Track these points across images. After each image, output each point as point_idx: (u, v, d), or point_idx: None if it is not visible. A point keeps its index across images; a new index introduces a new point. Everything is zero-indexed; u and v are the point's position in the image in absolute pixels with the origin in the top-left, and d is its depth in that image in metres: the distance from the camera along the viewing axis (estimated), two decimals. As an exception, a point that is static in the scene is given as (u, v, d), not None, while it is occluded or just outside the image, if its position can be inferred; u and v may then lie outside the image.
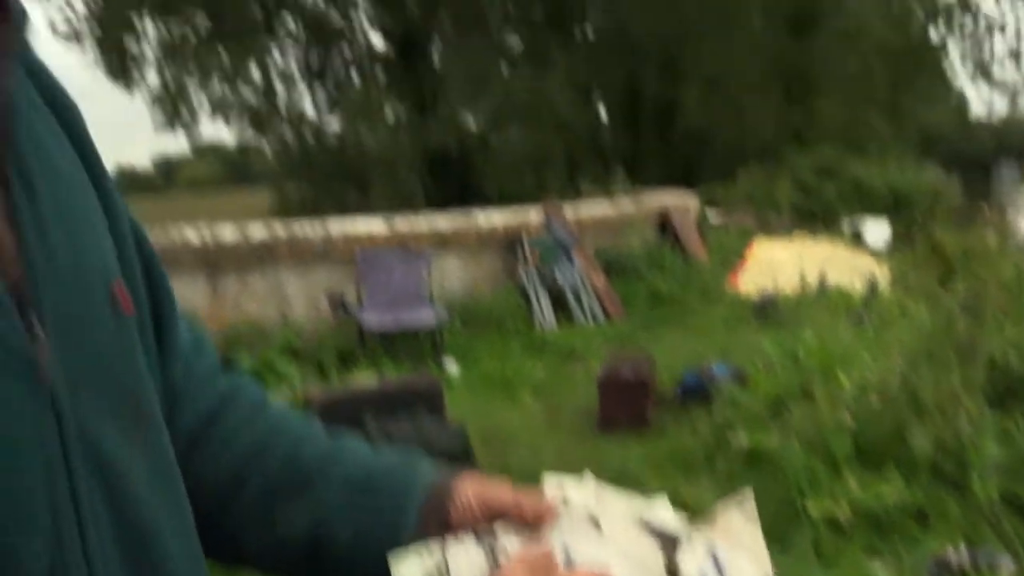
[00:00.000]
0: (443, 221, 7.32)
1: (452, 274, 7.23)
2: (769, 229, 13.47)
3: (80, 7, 19.44)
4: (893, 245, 12.75)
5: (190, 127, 21.97)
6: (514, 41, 23.21)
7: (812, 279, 8.04)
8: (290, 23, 23.36)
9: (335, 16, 23.60)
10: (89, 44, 20.01)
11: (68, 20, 19.33)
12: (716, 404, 4.34)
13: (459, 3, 21.27)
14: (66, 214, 0.52)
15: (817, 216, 15.41)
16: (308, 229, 6.44)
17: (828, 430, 3.50)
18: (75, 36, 19.59)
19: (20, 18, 0.51)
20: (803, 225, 13.78)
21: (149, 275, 0.63)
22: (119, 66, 21.11)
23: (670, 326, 7.35)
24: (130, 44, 21.01)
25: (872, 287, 7.31)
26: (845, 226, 14.07)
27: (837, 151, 17.43)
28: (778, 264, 9.73)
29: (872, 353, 4.23)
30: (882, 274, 8.68)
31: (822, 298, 7.53)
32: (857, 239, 12.95)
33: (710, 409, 4.37)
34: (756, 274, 9.46)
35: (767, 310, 7.13)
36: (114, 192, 0.59)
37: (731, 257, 10.83)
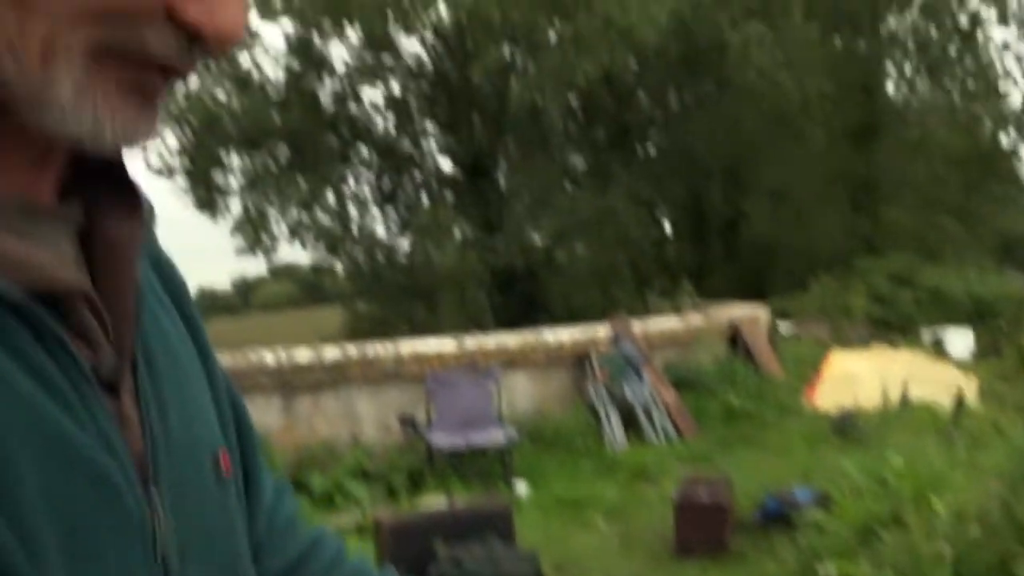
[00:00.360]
0: (511, 339, 7.38)
1: (521, 392, 7.21)
2: (844, 340, 13.11)
3: (173, 143, 20.97)
4: (978, 355, 12.21)
5: (269, 252, 23.03)
6: (577, 160, 23.93)
7: (894, 393, 7.72)
8: (364, 152, 24.68)
9: (406, 144, 24.86)
10: (180, 177, 21.46)
11: (161, 156, 20.81)
12: (800, 530, 4.13)
13: (524, 127, 22.16)
14: (181, 390, 0.56)
15: (894, 326, 14.95)
16: (380, 349, 6.57)
17: (925, 561, 3.27)
18: (167, 171, 21.07)
19: (150, 213, 0.56)
20: (880, 335, 13.37)
21: (240, 433, 0.67)
22: (206, 198, 22.52)
23: (746, 444, 7.11)
24: (217, 176, 22.46)
25: (960, 401, 6.97)
26: (925, 336, 13.59)
27: (911, 259, 17.06)
28: (856, 377, 9.39)
29: (966, 475, 4.00)
30: (969, 387, 8.29)
31: (906, 414, 7.20)
32: (939, 349, 12.46)
33: (793, 535, 4.15)
34: (834, 388, 9.14)
35: (847, 427, 6.84)
36: (215, 360, 0.64)
37: (806, 370, 10.52)
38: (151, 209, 0.57)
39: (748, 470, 5.95)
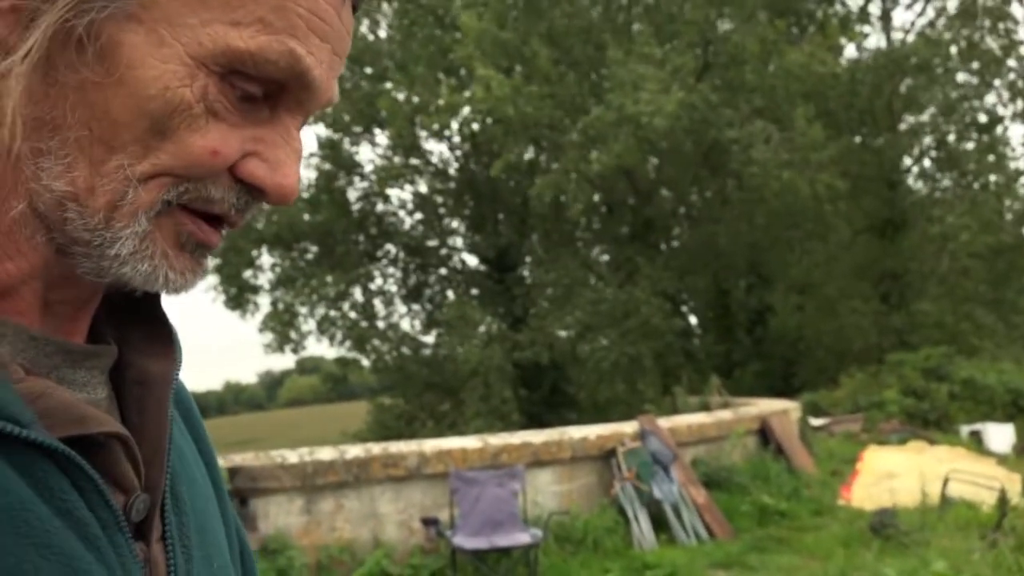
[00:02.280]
0: (536, 436, 7.28)
1: (546, 490, 7.06)
2: (879, 436, 12.76)
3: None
4: (1019, 450, 11.79)
5: (297, 348, 23.23)
6: (601, 255, 24.16)
7: (933, 490, 7.45)
8: (391, 249, 25.14)
9: (432, 241, 25.32)
10: (211, 275, 22.00)
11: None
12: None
13: (548, 224, 22.52)
14: (203, 529, 0.56)
15: (930, 421, 14.56)
16: (403, 447, 6.51)
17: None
18: (199, 270, 21.61)
19: (180, 354, 0.58)
20: (915, 431, 13.00)
21: (245, 568, 0.67)
22: (237, 297, 22.93)
23: (780, 546, 6.84)
24: (248, 276, 22.94)
25: (1003, 499, 6.70)
26: (963, 431, 13.19)
27: (945, 352, 16.76)
28: (893, 474, 9.10)
29: (1013, 581, 3.80)
30: (1012, 484, 7.98)
31: (947, 512, 6.92)
32: (978, 445, 12.06)
33: (833, 646, 3.95)
34: (870, 485, 8.85)
35: (886, 527, 6.57)
36: (225, 492, 0.64)
37: (840, 467, 10.22)
38: (180, 347, 0.58)
39: (784, 573, 5.71)
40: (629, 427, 7.86)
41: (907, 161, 22.70)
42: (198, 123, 0.45)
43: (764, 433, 9.66)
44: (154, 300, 0.56)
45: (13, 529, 0.41)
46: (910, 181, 23.18)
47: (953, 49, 21.06)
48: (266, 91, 0.47)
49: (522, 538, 5.94)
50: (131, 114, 0.44)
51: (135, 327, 0.56)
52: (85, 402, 0.49)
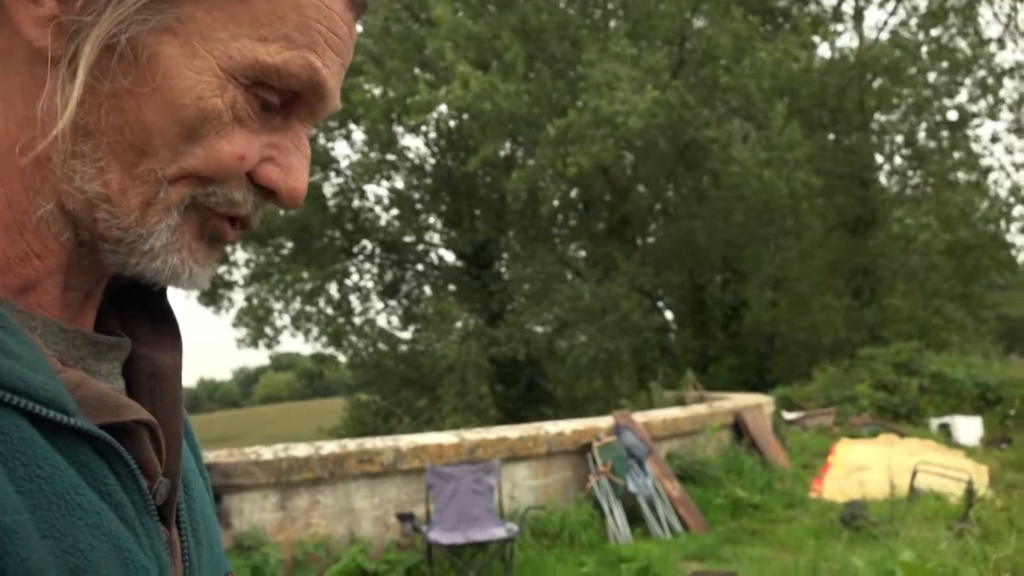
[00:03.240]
0: (512, 431, 7.30)
1: (522, 485, 7.09)
2: (850, 429, 12.94)
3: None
4: (987, 443, 12.02)
5: (272, 343, 23.06)
6: (578, 251, 24.22)
7: (902, 482, 7.58)
8: (367, 245, 25.01)
9: (410, 237, 25.22)
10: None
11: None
12: (810, 629, 3.99)
13: (525, 220, 22.54)
14: (204, 514, 0.59)
15: (900, 414, 14.79)
16: (378, 443, 6.50)
17: (939, 662, 3.15)
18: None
19: (182, 346, 0.60)
20: (886, 424, 13.21)
21: None
22: (211, 293, 22.70)
23: (754, 538, 6.93)
24: (222, 272, 22.71)
25: (970, 491, 6.83)
26: (933, 424, 13.42)
27: (915, 346, 17.03)
28: (864, 467, 9.25)
29: (978, 569, 3.89)
30: (979, 476, 8.14)
31: (915, 504, 7.04)
32: (947, 437, 12.28)
33: (804, 635, 4.01)
34: (841, 478, 8.98)
35: (856, 518, 6.68)
36: (209, 480, 0.67)
37: (813, 460, 10.36)
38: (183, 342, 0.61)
39: (756, 565, 5.78)
40: (604, 422, 7.91)
41: (879, 159, 22.99)
42: (226, 130, 0.48)
43: (738, 427, 9.77)
44: (161, 293, 0.59)
45: (69, 511, 0.43)
46: (882, 179, 23.48)
47: (924, 49, 21.34)
48: (282, 100, 0.51)
49: (498, 532, 5.96)
50: (164, 121, 0.46)
51: (139, 319, 0.58)
52: (117, 392, 0.51)
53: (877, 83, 21.57)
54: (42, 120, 0.46)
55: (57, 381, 0.45)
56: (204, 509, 0.59)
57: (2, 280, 0.48)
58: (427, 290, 25.39)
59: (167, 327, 0.59)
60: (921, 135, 22.55)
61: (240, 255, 22.82)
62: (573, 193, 22.87)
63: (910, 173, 22.97)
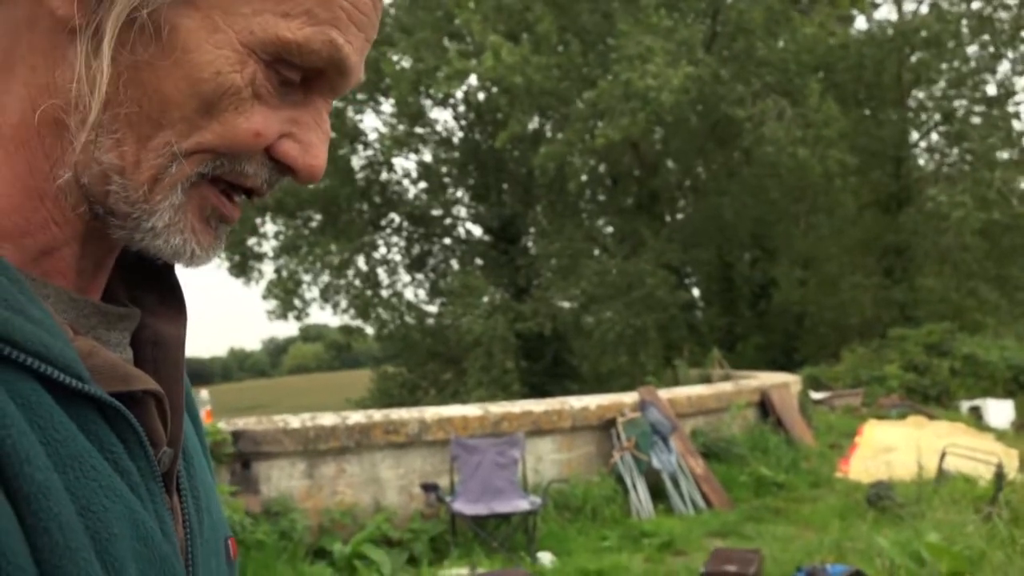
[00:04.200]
0: (537, 405, 7.33)
1: (546, 458, 7.13)
2: (879, 410, 12.82)
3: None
4: (1018, 426, 11.84)
5: (301, 315, 23.29)
6: (606, 227, 24.09)
7: (930, 464, 7.50)
8: (395, 218, 25.08)
9: (437, 210, 25.24)
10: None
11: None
12: (832, 608, 3.98)
13: (553, 195, 22.43)
14: (204, 480, 0.60)
15: (930, 396, 14.61)
16: (404, 414, 6.56)
17: (963, 643, 3.14)
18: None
19: (186, 318, 0.60)
20: (915, 405, 13.06)
21: None
22: (241, 264, 22.95)
23: (777, 516, 6.91)
24: (252, 244, 22.93)
25: (1000, 474, 6.74)
26: (963, 406, 13.24)
27: (947, 327, 16.75)
28: (891, 448, 9.16)
29: (1006, 553, 3.85)
30: (1009, 459, 8.02)
31: (943, 486, 6.97)
32: (977, 420, 12.12)
33: (826, 613, 4.01)
34: (868, 459, 8.91)
35: (882, 499, 6.64)
36: (207, 447, 0.67)
37: (839, 440, 10.29)
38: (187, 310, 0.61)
39: (780, 543, 5.77)
40: (629, 398, 7.91)
41: (914, 136, 22.50)
42: (244, 106, 0.48)
43: (764, 406, 9.71)
44: (169, 266, 0.59)
45: (84, 473, 0.43)
46: (917, 156, 22.99)
47: (964, 22, 20.75)
48: (303, 76, 0.50)
49: (521, 505, 6.01)
50: (182, 94, 0.46)
51: (147, 290, 0.59)
52: (125, 362, 0.52)
53: (915, 57, 21.05)
54: (63, 89, 0.47)
55: (71, 348, 0.46)
56: (203, 477, 0.60)
57: (21, 244, 0.49)
58: (454, 264, 25.45)
59: (172, 299, 0.59)
60: (959, 111, 22.00)
61: (269, 227, 23.02)
62: (601, 168, 22.70)
63: (947, 150, 22.47)
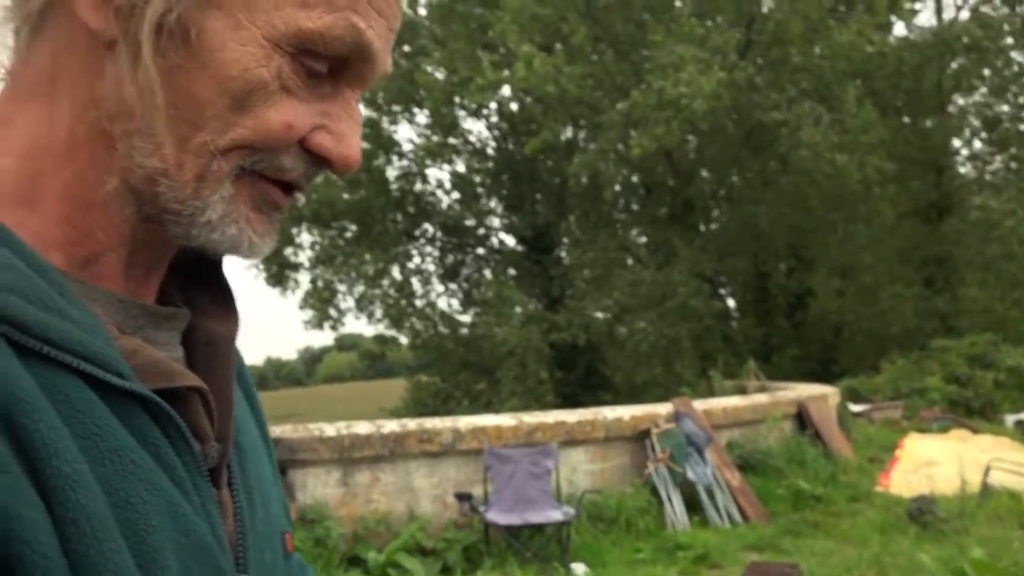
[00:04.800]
0: (570, 415, 7.31)
1: (579, 468, 7.10)
2: (920, 423, 12.55)
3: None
4: (1068, 441, 11.50)
5: (336, 325, 23.51)
6: (639, 236, 23.97)
7: (973, 479, 7.32)
8: (429, 228, 25.23)
9: (471, 221, 25.34)
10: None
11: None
12: (873, 625, 3.90)
13: (586, 205, 22.40)
14: (259, 475, 0.61)
15: (974, 409, 14.27)
16: (438, 423, 6.59)
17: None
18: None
19: (238, 317, 0.62)
20: (958, 419, 12.76)
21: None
22: (278, 274, 23.26)
23: (816, 531, 6.79)
24: (288, 254, 23.24)
25: (1047, 490, 6.57)
26: (1008, 420, 12.91)
27: (991, 339, 16.35)
28: (934, 462, 8.96)
29: (1054, 571, 3.74)
30: (1057, 475, 7.79)
31: (987, 501, 6.80)
32: (1023, 434, 11.80)
33: (866, 630, 3.92)
34: (909, 472, 8.72)
35: (924, 514, 6.49)
36: (271, 444, 0.69)
37: (879, 453, 10.09)
38: (238, 310, 0.63)
39: (818, 558, 5.67)
40: (663, 408, 7.85)
41: (956, 143, 22.08)
42: (274, 99, 0.49)
43: (801, 418, 9.57)
44: (216, 266, 0.61)
45: (123, 467, 0.45)
46: (959, 163, 22.55)
47: (1006, 27, 20.35)
48: (330, 67, 0.51)
49: (555, 515, 5.99)
50: (214, 94, 0.48)
51: (200, 291, 0.61)
52: (172, 360, 0.53)
53: (956, 63, 20.68)
54: (104, 100, 0.49)
55: (112, 347, 0.47)
56: (260, 472, 0.61)
57: (70, 252, 0.51)
58: (487, 274, 25.52)
59: (223, 299, 0.61)
60: (1003, 118, 21.55)
61: (305, 238, 23.31)
62: (635, 178, 22.62)
63: (989, 158, 22.00)
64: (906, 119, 21.72)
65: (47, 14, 0.50)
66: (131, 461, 0.45)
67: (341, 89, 0.53)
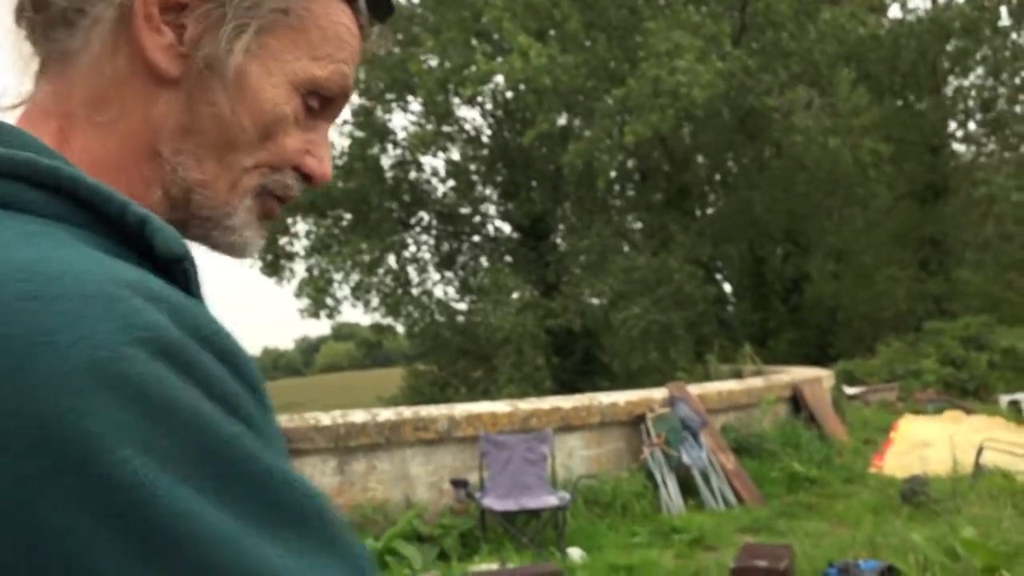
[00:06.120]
0: (566, 401, 7.35)
1: (575, 454, 7.14)
2: (915, 405, 12.62)
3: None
4: (1061, 421, 11.57)
5: (332, 314, 23.50)
6: (635, 222, 23.97)
7: (967, 459, 7.38)
8: (424, 216, 25.20)
9: (466, 209, 25.31)
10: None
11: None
12: (864, 604, 3.94)
13: (582, 192, 22.38)
14: None
15: (968, 390, 14.35)
16: (433, 411, 6.61)
17: (997, 640, 3.09)
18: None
19: None
20: (953, 400, 12.83)
21: None
22: (273, 264, 23.22)
23: (809, 512, 6.84)
24: (283, 243, 23.19)
25: (1039, 470, 6.61)
26: (1002, 400, 12.98)
27: (985, 320, 16.42)
28: (927, 443, 9.02)
29: (1043, 549, 3.78)
30: (1050, 455, 7.85)
31: (979, 481, 6.85)
32: (1017, 414, 11.87)
33: (857, 609, 3.97)
34: (903, 454, 8.79)
35: (917, 494, 6.54)
36: None
37: (874, 435, 10.15)
38: None
39: (811, 539, 5.72)
40: (658, 393, 7.89)
41: (951, 125, 22.07)
42: (290, 129, 0.62)
43: (796, 401, 9.62)
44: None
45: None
46: (954, 145, 22.55)
47: (1003, 9, 20.30)
48: (320, 104, 0.64)
49: (550, 500, 6.03)
50: (250, 123, 0.60)
51: None
52: None
53: (951, 45, 20.64)
54: (158, 124, 0.59)
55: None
56: None
57: None
58: (483, 261, 25.52)
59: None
60: (999, 99, 21.53)
61: (301, 227, 23.26)
62: (630, 164, 22.59)
63: (984, 140, 22.01)
64: (901, 102, 21.69)
65: (107, 48, 0.59)
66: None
67: (319, 121, 0.65)
